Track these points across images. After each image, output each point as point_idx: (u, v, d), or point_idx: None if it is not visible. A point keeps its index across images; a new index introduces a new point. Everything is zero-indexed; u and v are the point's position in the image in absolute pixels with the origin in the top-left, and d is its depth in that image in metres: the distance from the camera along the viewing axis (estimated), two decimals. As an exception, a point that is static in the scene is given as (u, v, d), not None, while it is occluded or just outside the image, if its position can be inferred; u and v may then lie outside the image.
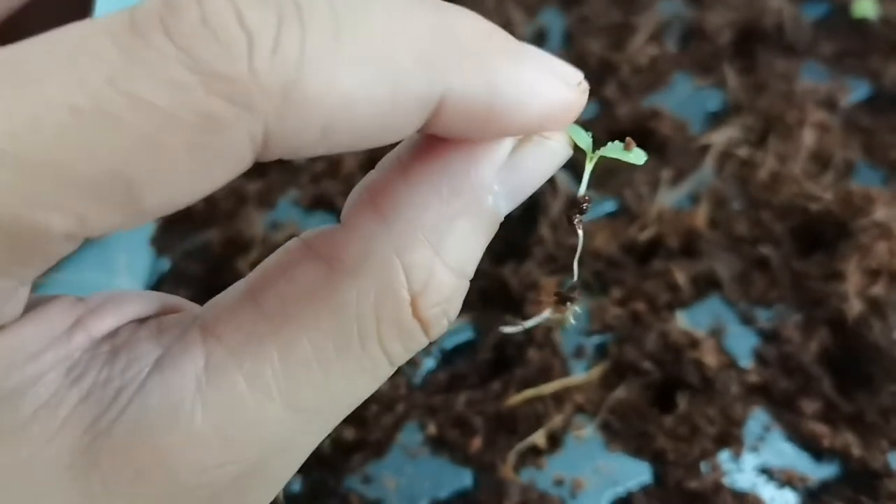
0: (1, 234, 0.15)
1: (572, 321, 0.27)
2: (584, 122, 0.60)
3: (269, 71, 0.16)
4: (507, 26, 0.62)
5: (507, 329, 0.30)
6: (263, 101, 0.16)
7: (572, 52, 0.62)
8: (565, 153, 0.22)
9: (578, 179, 0.55)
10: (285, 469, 0.21)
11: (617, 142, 0.24)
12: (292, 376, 0.19)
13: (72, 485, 0.18)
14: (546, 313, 0.27)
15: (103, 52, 0.15)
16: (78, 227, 0.16)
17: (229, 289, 0.21)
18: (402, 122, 0.18)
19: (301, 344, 0.19)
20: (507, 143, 0.20)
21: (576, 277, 0.26)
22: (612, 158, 0.24)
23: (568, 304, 0.26)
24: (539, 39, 0.64)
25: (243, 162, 0.17)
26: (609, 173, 0.53)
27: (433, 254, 0.20)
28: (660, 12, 0.64)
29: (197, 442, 0.18)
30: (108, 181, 0.16)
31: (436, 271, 0.20)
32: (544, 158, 0.21)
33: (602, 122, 0.57)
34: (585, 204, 0.24)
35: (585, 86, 0.21)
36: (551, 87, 0.20)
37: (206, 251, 0.52)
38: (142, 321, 0.20)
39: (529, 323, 0.28)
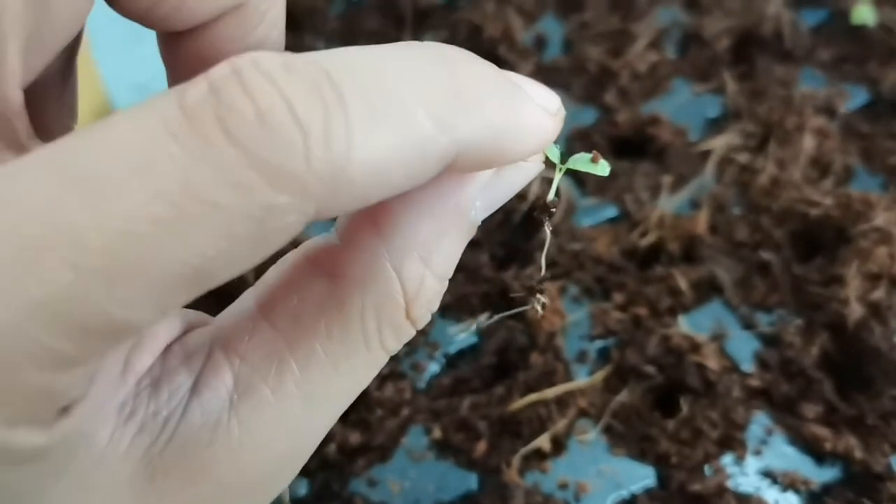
0: (95, 337, 0.16)
1: (540, 311, 0.29)
2: (584, 129, 0.60)
3: (323, 161, 0.17)
4: (507, 33, 0.63)
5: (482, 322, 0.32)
6: (318, 188, 0.17)
7: (572, 59, 0.62)
8: (539, 169, 0.24)
9: (581, 187, 0.55)
10: (305, 452, 0.24)
11: (584, 154, 0.26)
12: (309, 380, 0.22)
13: (130, 499, 0.20)
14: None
15: (171, 157, 0.16)
16: (157, 318, 0.17)
17: (238, 302, 0.23)
18: (426, 176, 0.19)
19: (316, 353, 0.22)
20: (486, 177, 0.23)
21: (543, 271, 0.29)
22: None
23: (537, 295, 0.29)
24: (538, 46, 0.65)
25: (295, 234, 0.18)
26: (610, 179, 0.53)
27: (424, 266, 0.23)
28: (659, 19, 0.65)
29: (235, 450, 0.21)
30: (186, 275, 0.17)
31: (425, 280, 0.23)
32: (521, 176, 0.24)
33: (602, 128, 0.57)
34: (553, 208, 0.27)
35: (563, 112, 0.23)
36: (542, 124, 0.22)
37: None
38: (169, 346, 0.22)
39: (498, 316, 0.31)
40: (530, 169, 0.24)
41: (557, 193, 0.26)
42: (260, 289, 0.23)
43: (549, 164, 0.25)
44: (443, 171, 0.20)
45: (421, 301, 0.23)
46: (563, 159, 0.26)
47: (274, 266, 0.24)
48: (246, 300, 0.23)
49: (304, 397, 0.22)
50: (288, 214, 0.17)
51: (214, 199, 0.16)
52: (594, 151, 0.26)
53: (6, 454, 0.17)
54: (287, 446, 0.22)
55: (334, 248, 0.23)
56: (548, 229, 0.27)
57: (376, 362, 0.23)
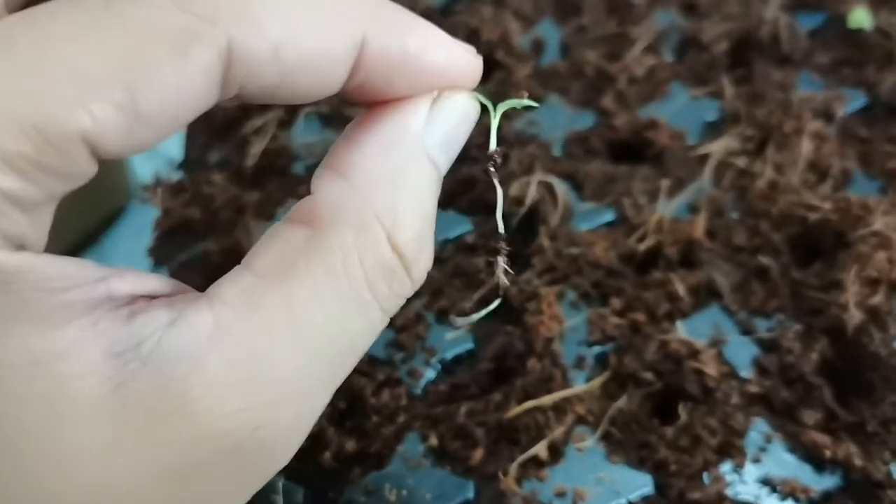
0: (31, 132, 0.18)
1: (505, 281, 0.30)
2: (581, 132, 0.60)
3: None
4: (505, 37, 0.63)
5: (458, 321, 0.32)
6: (224, 20, 0.20)
7: (569, 63, 0.62)
8: (474, 107, 0.26)
9: (578, 191, 0.54)
10: (299, 419, 0.23)
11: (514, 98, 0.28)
12: (294, 326, 0.22)
13: (97, 426, 0.20)
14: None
15: None
16: (93, 128, 0.19)
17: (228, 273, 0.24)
18: (335, 55, 0.22)
19: (298, 293, 0.22)
20: (426, 100, 0.25)
21: (500, 230, 0.29)
22: (520, 108, 0.28)
23: (497, 257, 0.29)
24: (536, 50, 0.65)
25: (216, 76, 0.20)
26: (608, 183, 0.53)
27: (394, 197, 0.24)
28: (656, 23, 0.65)
29: (213, 386, 0.21)
30: (111, 81, 0.19)
31: (399, 211, 0.24)
32: (457, 111, 0.25)
33: (600, 132, 0.57)
34: (496, 157, 0.28)
35: (479, 56, 0.26)
36: (452, 42, 0.25)
37: (205, 262, 0.52)
38: (154, 297, 0.22)
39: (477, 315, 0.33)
40: (463, 103, 0.26)
41: (499, 141, 0.28)
42: (247, 254, 0.24)
43: (486, 114, 0.27)
44: (356, 70, 0.23)
45: (403, 231, 0.24)
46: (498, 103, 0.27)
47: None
48: (235, 267, 0.24)
49: (291, 340, 0.22)
50: (201, 39, 0.20)
51: (130, 13, 0.20)
52: (522, 91, 0.29)
53: None
54: (272, 399, 0.22)
55: (307, 200, 0.24)
56: (496, 181, 0.28)
57: (369, 311, 0.24)
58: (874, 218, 0.45)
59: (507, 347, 0.45)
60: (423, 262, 0.25)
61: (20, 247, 0.19)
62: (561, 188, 0.51)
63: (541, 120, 0.58)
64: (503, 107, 0.28)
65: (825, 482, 0.38)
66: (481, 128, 0.27)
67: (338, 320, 0.23)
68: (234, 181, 0.58)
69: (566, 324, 0.45)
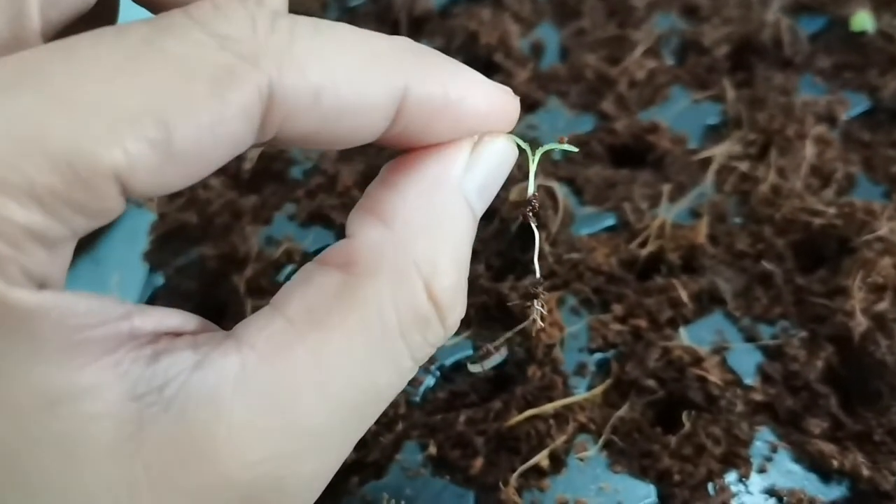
0: (62, 166, 0.17)
1: (540, 323, 0.29)
2: (582, 136, 0.59)
3: (267, 35, 0.20)
4: (504, 40, 0.62)
5: (472, 368, 0.32)
6: (266, 60, 0.20)
7: (569, 66, 0.62)
8: (513, 150, 0.26)
9: (578, 196, 0.54)
10: (322, 469, 0.23)
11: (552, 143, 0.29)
12: (323, 376, 0.21)
13: (114, 470, 0.19)
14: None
15: (137, 26, 0.20)
16: (125, 165, 0.18)
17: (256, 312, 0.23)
18: (377, 103, 0.22)
19: (329, 343, 0.21)
20: (467, 145, 0.25)
21: (537, 275, 0.29)
22: (563, 152, 0.29)
23: (534, 301, 0.29)
24: (536, 53, 0.64)
25: (254, 117, 0.20)
26: (608, 188, 0.52)
27: (433, 245, 0.23)
28: (657, 26, 0.64)
29: (237, 433, 0.20)
30: (146, 118, 0.18)
31: (438, 259, 0.23)
32: (497, 156, 0.25)
33: (600, 136, 0.56)
34: (534, 202, 0.28)
35: (516, 97, 0.26)
36: (490, 86, 0.25)
37: (201, 267, 0.51)
38: (178, 334, 0.21)
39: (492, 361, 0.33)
40: (503, 147, 0.25)
41: (536, 187, 0.28)
42: (277, 295, 0.23)
43: (523, 155, 0.27)
44: (396, 119, 0.23)
45: (440, 279, 0.23)
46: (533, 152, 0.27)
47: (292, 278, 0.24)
48: (263, 308, 0.23)
49: (318, 391, 0.21)
50: (240, 79, 0.19)
51: (171, 51, 0.19)
52: (561, 137, 0.29)
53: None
54: (296, 448, 0.21)
55: (343, 244, 0.23)
56: (533, 225, 0.28)
57: (399, 361, 0.23)
58: (879, 223, 0.45)
59: (508, 354, 0.44)
60: (457, 311, 0.25)
61: (41, 284, 0.19)
62: (561, 193, 0.50)
63: (540, 123, 0.57)
64: (542, 151, 0.28)
65: (832, 492, 0.37)
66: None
67: (367, 371, 0.22)
68: (230, 186, 0.57)
69: (567, 330, 0.44)
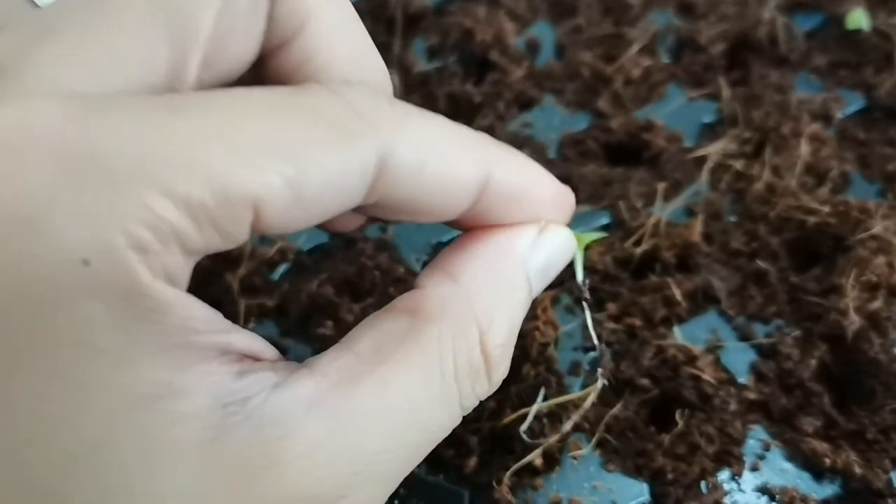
0: (216, 186, 0.20)
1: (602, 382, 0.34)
2: (576, 134, 0.59)
3: (387, 108, 0.24)
4: (499, 37, 0.62)
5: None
6: (385, 127, 0.23)
7: (565, 64, 0.62)
8: (573, 242, 0.30)
9: (574, 193, 0.54)
10: (376, 497, 0.24)
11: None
12: (386, 407, 0.23)
13: (191, 471, 0.20)
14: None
15: (281, 87, 0.24)
16: (265, 197, 0.20)
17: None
18: (469, 181, 0.25)
19: (393, 377, 0.23)
20: (534, 227, 0.28)
21: (598, 352, 0.34)
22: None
23: (598, 370, 0.34)
24: (531, 50, 0.64)
25: (368, 175, 0.22)
26: (603, 186, 0.52)
27: (493, 303, 0.26)
28: (652, 23, 0.64)
29: (307, 450, 0.22)
30: (286, 157, 0.21)
31: (495, 317, 0.26)
32: (558, 242, 0.29)
33: (595, 133, 0.56)
34: (585, 286, 0.33)
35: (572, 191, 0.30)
36: (555, 180, 0.29)
37: (195, 269, 0.51)
38: (258, 359, 0.23)
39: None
40: (565, 236, 0.29)
41: (586, 275, 0.33)
42: (348, 334, 0.25)
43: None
44: (478, 199, 0.26)
45: (493, 336, 0.26)
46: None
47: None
48: (335, 345, 0.25)
49: (381, 426, 0.23)
50: (362, 138, 0.22)
51: (304, 102, 0.23)
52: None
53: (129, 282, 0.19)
54: (355, 473, 0.23)
55: (414, 293, 0.26)
56: (587, 307, 0.34)
57: (451, 405, 0.25)
58: (873, 221, 0.45)
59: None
60: (502, 369, 0.27)
61: (169, 279, 0.21)
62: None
63: (535, 121, 0.57)
64: (586, 239, 0.32)
65: (825, 491, 0.37)
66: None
67: (424, 409, 0.24)
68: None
69: (561, 329, 0.44)
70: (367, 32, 0.29)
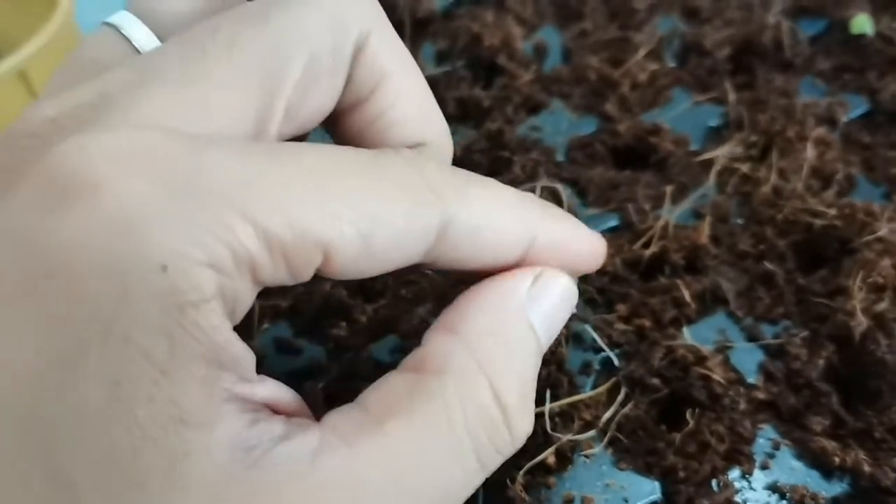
0: (295, 226, 0.21)
1: None
2: (584, 138, 0.60)
3: (450, 177, 0.26)
4: (507, 41, 0.63)
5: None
6: (448, 194, 0.25)
7: (572, 68, 0.62)
8: (575, 289, 0.30)
9: (582, 197, 0.54)
10: None
11: None
12: (392, 458, 0.23)
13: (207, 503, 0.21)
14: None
15: (360, 149, 0.25)
16: (337, 245, 0.22)
17: None
18: (516, 243, 0.27)
19: (398, 429, 0.24)
20: (528, 274, 0.28)
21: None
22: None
23: None
24: (538, 55, 0.64)
25: (430, 238, 0.25)
26: (611, 189, 0.53)
27: (497, 351, 0.26)
28: (658, 28, 0.65)
29: (308, 495, 0.22)
30: (362, 210, 0.23)
31: (502, 364, 0.26)
32: (559, 290, 0.29)
33: (603, 137, 0.57)
34: None
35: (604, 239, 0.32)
36: (590, 232, 0.31)
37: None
38: (277, 410, 0.24)
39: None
40: (568, 284, 0.29)
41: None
42: (359, 395, 0.26)
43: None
44: (523, 256, 0.28)
45: (507, 382, 0.26)
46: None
47: None
48: (346, 404, 0.26)
49: (386, 476, 0.23)
50: (430, 206, 0.24)
51: (387, 168, 0.25)
52: None
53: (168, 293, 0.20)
54: None
55: (418, 350, 0.27)
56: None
57: (464, 459, 0.25)
58: (879, 224, 0.45)
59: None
60: (525, 422, 0.27)
61: (231, 311, 0.22)
62: (565, 194, 0.51)
63: (543, 125, 0.58)
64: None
65: (834, 489, 0.38)
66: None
67: (432, 462, 0.24)
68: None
69: (572, 330, 0.45)
70: (432, 94, 0.31)
